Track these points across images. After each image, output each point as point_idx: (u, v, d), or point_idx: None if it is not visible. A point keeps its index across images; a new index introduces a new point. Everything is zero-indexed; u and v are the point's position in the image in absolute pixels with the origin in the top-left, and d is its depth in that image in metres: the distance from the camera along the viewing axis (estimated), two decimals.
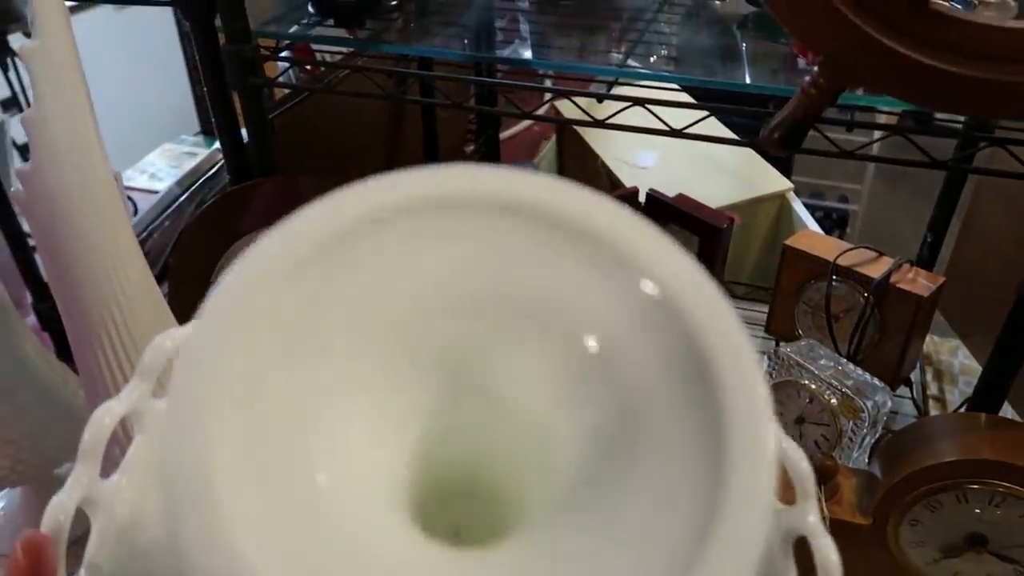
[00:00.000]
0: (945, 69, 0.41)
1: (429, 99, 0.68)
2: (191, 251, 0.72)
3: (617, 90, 0.58)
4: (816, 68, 0.46)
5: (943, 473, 0.49)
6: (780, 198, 1.10)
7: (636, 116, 0.58)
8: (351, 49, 0.77)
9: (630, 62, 0.63)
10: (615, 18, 0.76)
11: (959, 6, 0.44)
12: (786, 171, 1.26)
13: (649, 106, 0.54)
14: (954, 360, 0.92)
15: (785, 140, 0.49)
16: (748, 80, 0.60)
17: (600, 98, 0.55)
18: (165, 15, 1.67)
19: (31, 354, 0.66)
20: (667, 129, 0.54)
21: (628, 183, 1.13)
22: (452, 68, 0.98)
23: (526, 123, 1.51)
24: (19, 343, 0.65)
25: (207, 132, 1.69)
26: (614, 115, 0.55)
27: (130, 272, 0.52)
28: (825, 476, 0.53)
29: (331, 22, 0.67)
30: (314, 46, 0.94)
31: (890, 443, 0.54)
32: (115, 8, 1.58)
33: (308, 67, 0.90)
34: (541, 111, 1.56)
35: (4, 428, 0.64)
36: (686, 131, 0.54)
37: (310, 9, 0.68)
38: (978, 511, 0.49)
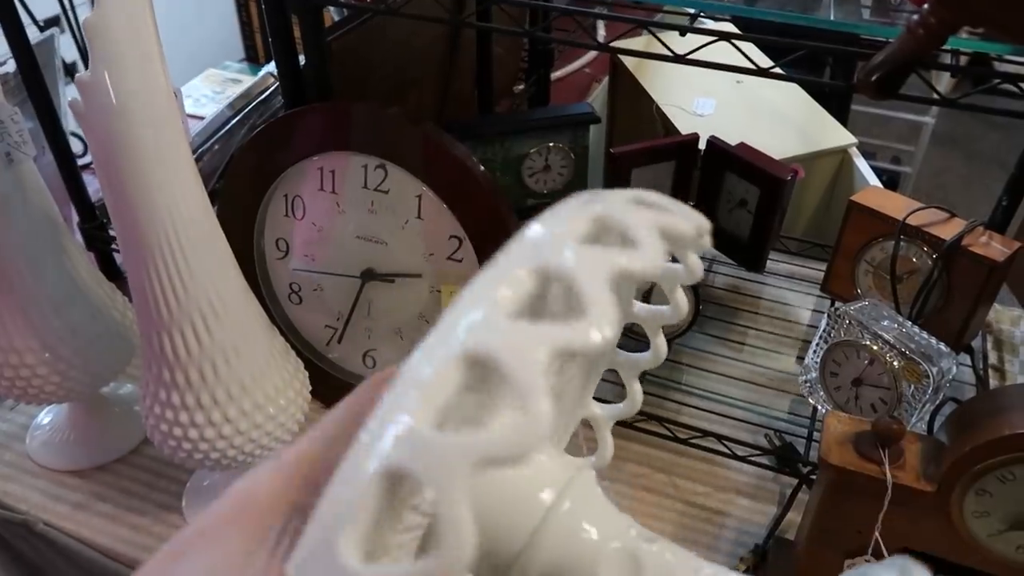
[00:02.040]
0: None
1: (494, 26, 0.65)
2: (241, 175, 0.71)
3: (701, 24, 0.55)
4: (927, 6, 0.43)
5: (1018, 444, 0.47)
6: (842, 153, 1.06)
7: (713, 56, 0.55)
8: None
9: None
10: None
11: None
12: (841, 125, 1.21)
13: (735, 41, 0.51)
14: (1016, 330, 0.89)
15: (884, 84, 0.46)
16: (832, 17, 0.57)
17: (683, 31, 0.52)
18: None
19: (83, 273, 0.66)
20: (753, 68, 0.51)
21: (683, 130, 1.09)
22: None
23: (578, 64, 1.46)
24: (72, 262, 0.65)
25: (251, 59, 1.67)
26: (696, 50, 0.52)
27: (187, 192, 0.51)
28: (890, 439, 0.51)
29: None
30: None
31: (961, 411, 0.52)
32: None
33: None
34: (592, 54, 1.51)
35: (56, 344, 0.64)
36: (771, 71, 0.51)
37: None
38: None
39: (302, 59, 0.68)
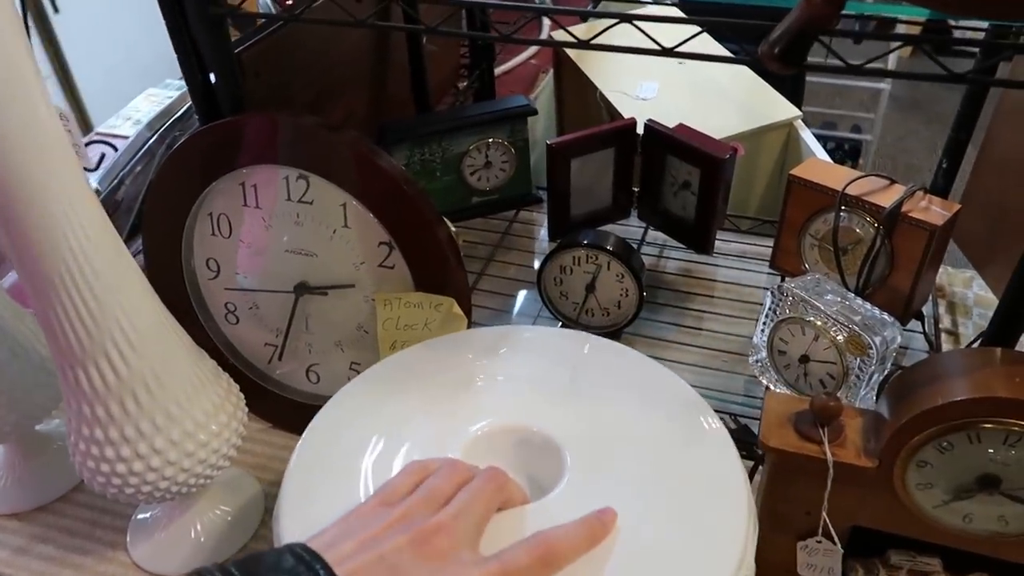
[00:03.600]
0: None
1: (407, 25, 0.63)
2: (163, 195, 0.69)
3: (606, 8, 0.53)
4: None
5: (954, 413, 0.46)
6: (788, 127, 1.05)
7: (630, 40, 0.54)
8: None
9: None
10: None
11: None
12: (795, 100, 1.20)
13: (638, 23, 0.49)
14: (968, 292, 0.88)
15: (786, 55, 0.44)
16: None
17: (584, 16, 0.51)
18: None
19: (1, 311, 0.64)
20: (658, 48, 0.49)
21: (628, 115, 1.08)
22: None
23: (522, 57, 1.44)
24: None
25: (180, 68, 1.63)
26: (600, 33, 0.50)
27: (84, 219, 0.49)
28: (828, 417, 0.50)
29: None
30: None
31: (898, 381, 0.51)
32: None
33: None
34: (532, 39, 1.49)
35: None
36: (678, 49, 0.50)
37: None
38: (991, 451, 0.46)
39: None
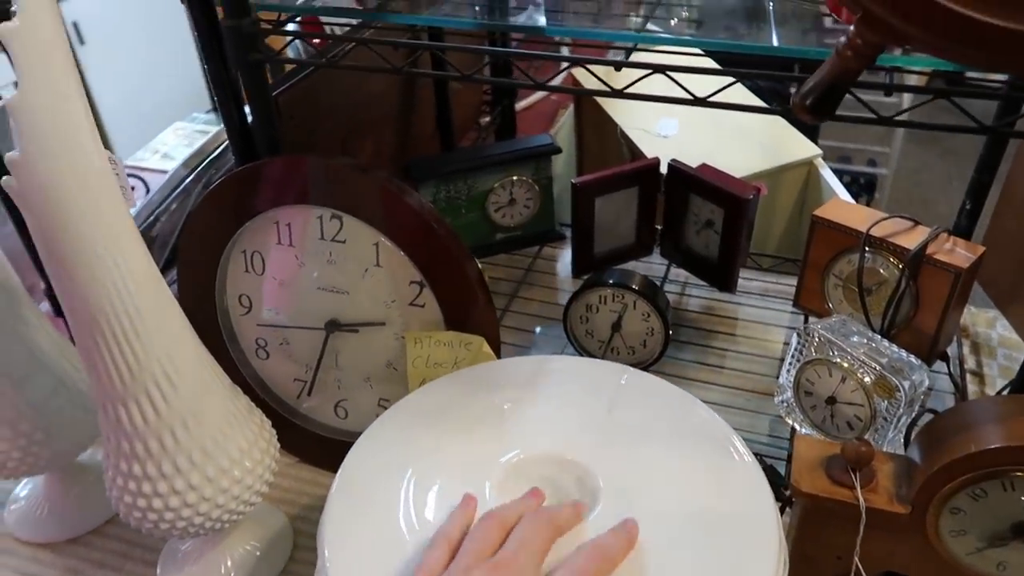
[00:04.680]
0: (991, 23, 0.38)
1: (439, 72, 0.65)
2: (198, 234, 0.70)
3: (637, 57, 0.55)
4: (852, 27, 0.42)
5: (988, 461, 0.46)
6: (808, 165, 1.06)
7: (657, 84, 0.55)
8: (358, 20, 0.74)
9: (650, 26, 0.60)
10: None
11: None
12: (812, 135, 1.21)
13: (671, 73, 0.51)
14: (992, 332, 0.88)
15: (817, 107, 0.46)
16: (776, 42, 0.57)
17: (618, 66, 0.52)
18: None
19: (44, 344, 0.65)
20: (690, 98, 0.51)
21: (649, 153, 1.09)
22: (464, 39, 0.94)
23: (542, 93, 1.47)
24: (31, 333, 0.64)
25: (219, 110, 1.67)
26: (633, 83, 0.52)
27: (131, 261, 0.50)
28: (860, 462, 0.51)
29: None
30: (321, 18, 0.91)
31: (930, 428, 0.51)
32: None
33: (315, 40, 0.87)
34: (557, 81, 1.52)
35: (15, 419, 0.63)
36: (710, 99, 0.51)
37: None
38: None
39: (250, 113, 0.68)
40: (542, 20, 0.59)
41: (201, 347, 0.57)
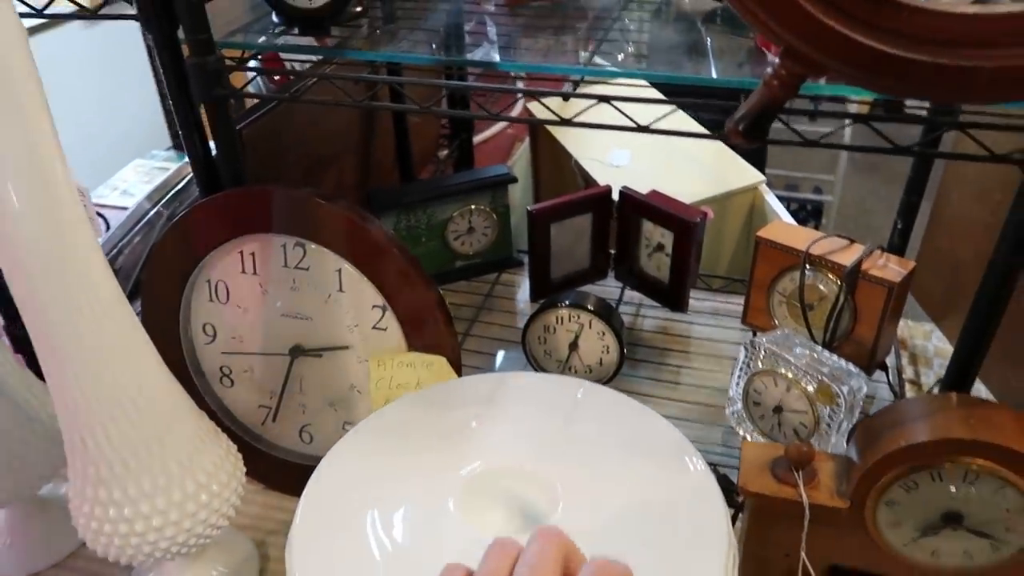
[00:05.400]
0: (902, 56, 0.42)
1: (398, 104, 0.68)
2: (163, 264, 0.72)
3: (586, 89, 0.58)
4: (777, 59, 0.46)
5: (917, 454, 0.50)
6: (753, 191, 1.11)
7: (606, 115, 0.59)
8: (319, 57, 0.77)
9: (597, 60, 0.63)
10: (582, 18, 0.77)
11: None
12: (759, 164, 1.27)
13: (616, 103, 0.54)
14: (928, 343, 0.93)
15: (749, 131, 0.49)
16: (714, 75, 0.61)
17: (566, 96, 0.56)
18: (132, 30, 1.65)
19: (7, 377, 0.66)
20: (634, 125, 0.54)
21: (602, 181, 1.14)
22: (421, 74, 0.98)
23: (499, 126, 1.51)
24: None
25: (178, 147, 1.67)
26: (582, 112, 0.55)
27: (99, 290, 0.52)
28: (802, 462, 0.54)
29: (296, 31, 0.67)
30: (282, 55, 0.94)
31: (864, 427, 0.55)
32: (83, 25, 1.56)
33: (276, 77, 0.90)
34: (513, 114, 1.56)
35: None
36: (652, 127, 0.54)
37: (275, 18, 0.68)
38: (953, 489, 0.50)
39: (214, 147, 0.70)
40: (496, 56, 0.63)
41: (167, 372, 0.58)
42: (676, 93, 0.63)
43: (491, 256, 1.01)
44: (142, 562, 0.60)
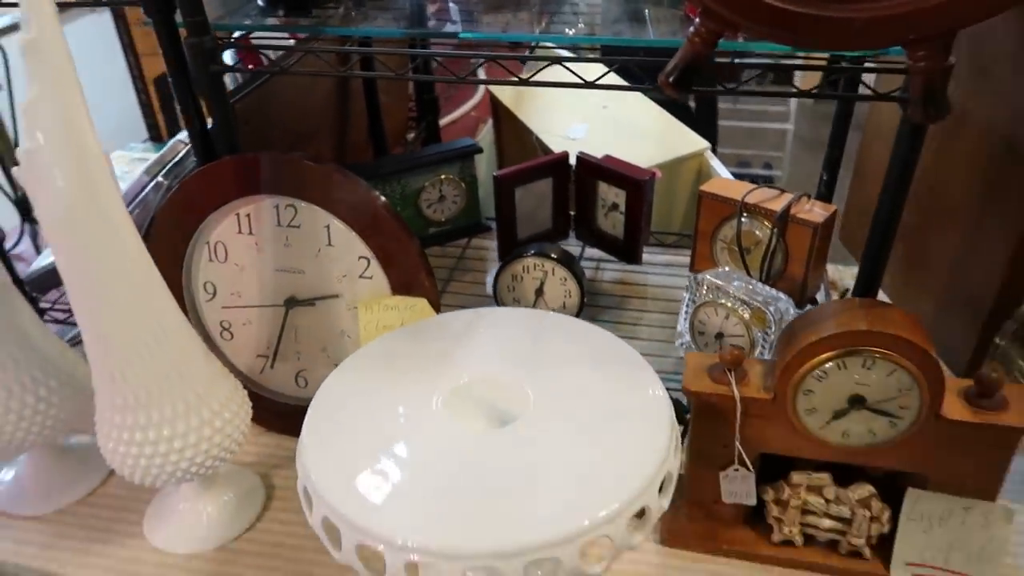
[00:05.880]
0: (793, 10, 0.52)
1: (371, 72, 0.76)
2: (165, 229, 0.79)
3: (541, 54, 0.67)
4: (698, 20, 0.56)
5: (825, 347, 0.60)
6: (700, 157, 1.21)
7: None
8: (305, 35, 0.84)
9: (550, 32, 0.72)
10: None
11: None
12: (712, 140, 1.37)
13: (566, 64, 0.63)
14: (847, 279, 1.04)
15: (679, 82, 0.59)
16: (652, 37, 0.70)
17: (523, 60, 0.65)
18: (105, 31, 1.71)
19: (31, 330, 0.73)
20: (581, 81, 0.63)
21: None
22: (391, 50, 1.06)
23: (463, 109, 1.60)
24: (20, 320, 0.72)
25: (155, 139, 1.74)
26: (536, 73, 0.64)
27: (124, 237, 0.59)
28: (734, 363, 0.64)
29: (280, 13, 0.75)
30: (265, 35, 1.01)
31: (786, 330, 0.64)
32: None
33: (262, 55, 0.98)
34: (476, 93, 1.65)
35: (8, 398, 0.70)
36: (597, 82, 0.64)
37: (260, 2, 0.76)
38: (856, 376, 0.60)
39: (210, 122, 0.78)
40: (457, 27, 0.72)
41: (181, 315, 0.66)
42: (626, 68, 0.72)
43: (461, 222, 1.10)
44: (164, 482, 0.68)
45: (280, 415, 0.85)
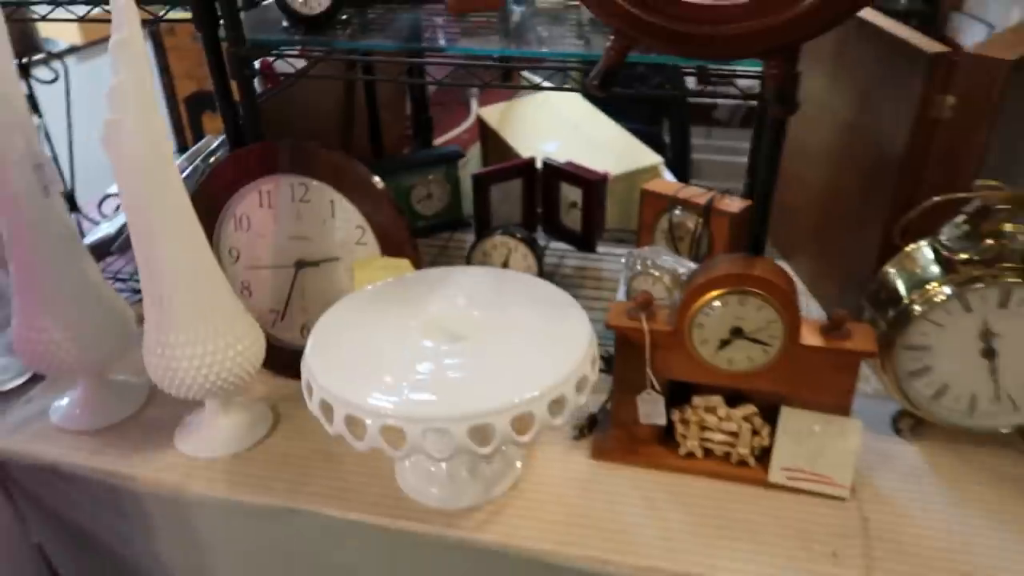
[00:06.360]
0: (677, 30, 0.71)
1: (373, 76, 0.96)
2: (202, 203, 0.97)
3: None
4: (612, 37, 0.75)
5: (712, 286, 0.77)
6: (654, 168, 1.40)
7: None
8: (322, 50, 1.04)
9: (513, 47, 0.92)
10: (504, 23, 1.05)
11: None
12: (684, 172, 1.55)
13: (525, 74, 0.82)
14: None
15: (602, 84, 0.78)
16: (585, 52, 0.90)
17: (488, 67, 0.84)
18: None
19: (93, 276, 0.91)
20: (529, 85, 0.83)
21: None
22: (389, 67, 1.26)
23: (457, 132, 1.79)
24: (85, 266, 0.90)
25: (183, 151, 1.94)
26: (492, 85, 0.83)
27: (178, 197, 0.78)
28: (645, 304, 0.81)
29: (303, 30, 0.95)
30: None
31: (687, 278, 0.82)
32: (77, 59, 1.83)
33: (278, 73, 1.18)
34: (468, 121, 1.85)
35: (72, 326, 0.88)
36: (542, 86, 0.83)
37: (284, 23, 0.96)
38: (735, 311, 0.78)
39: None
40: (443, 43, 0.91)
41: (215, 261, 0.84)
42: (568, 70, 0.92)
43: (446, 217, 1.29)
44: (194, 394, 0.85)
45: (287, 361, 1.02)
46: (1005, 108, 0.82)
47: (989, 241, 0.78)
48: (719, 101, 2.77)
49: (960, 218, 0.80)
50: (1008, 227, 0.78)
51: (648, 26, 0.71)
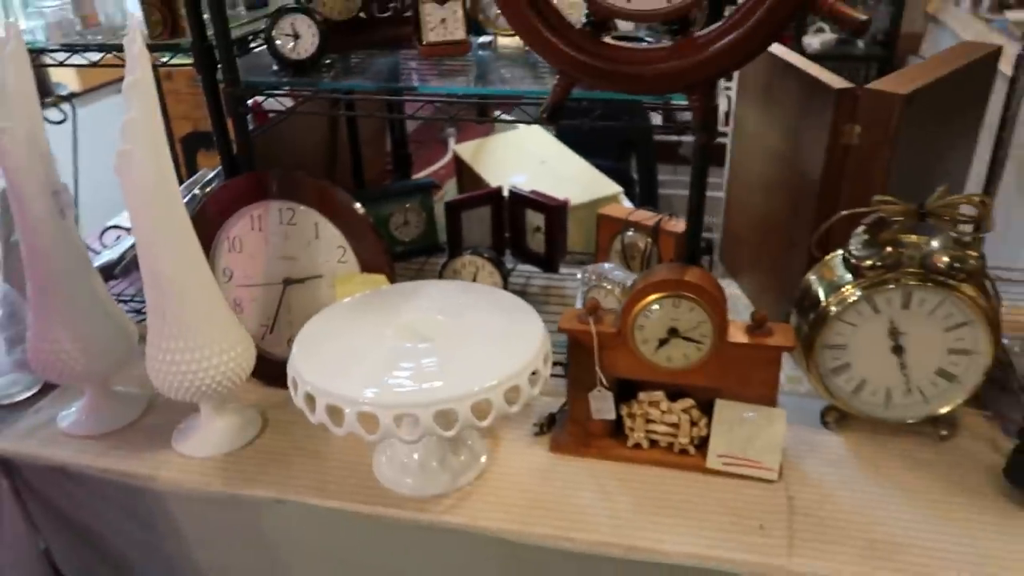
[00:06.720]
0: (609, 69, 0.82)
1: (354, 112, 1.07)
2: (200, 227, 1.08)
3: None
4: (558, 76, 0.87)
5: (651, 291, 0.88)
6: (615, 198, 1.52)
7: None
8: (309, 90, 1.16)
9: (477, 86, 1.04)
10: (471, 65, 1.18)
11: (623, 40, 0.85)
12: (654, 204, 1.67)
13: (495, 110, 0.94)
14: (728, 291, 1.33)
15: (551, 116, 0.89)
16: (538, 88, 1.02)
17: (455, 101, 0.96)
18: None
19: (100, 291, 1.01)
20: (488, 119, 0.94)
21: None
22: (369, 104, 1.38)
23: (434, 168, 1.92)
24: (94, 283, 1.00)
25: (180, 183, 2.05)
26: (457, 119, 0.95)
27: (182, 217, 0.89)
28: (593, 310, 0.92)
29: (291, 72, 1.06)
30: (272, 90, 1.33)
31: (631, 285, 0.93)
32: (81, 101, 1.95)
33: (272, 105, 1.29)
34: (445, 158, 1.98)
35: (82, 337, 0.98)
36: (500, 117, 0.94)
37: (275, 67, 1.07)
38: (671, 313, 0.88)
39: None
40: (416, 83, 1.03)
41: (212, 277, 0.95)
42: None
43: (422, 243, 1.40)
44: (191, 396, 0.95)
45: (275, 371, 1.11)
46: (902, 135, 0.94)
47: (888, 249, 0.89)
48: (683, 139, 2.93)
49: (861, 229, 0.92)
50: (904, 237, 0.89)
51: (584, 66, 0.83)
